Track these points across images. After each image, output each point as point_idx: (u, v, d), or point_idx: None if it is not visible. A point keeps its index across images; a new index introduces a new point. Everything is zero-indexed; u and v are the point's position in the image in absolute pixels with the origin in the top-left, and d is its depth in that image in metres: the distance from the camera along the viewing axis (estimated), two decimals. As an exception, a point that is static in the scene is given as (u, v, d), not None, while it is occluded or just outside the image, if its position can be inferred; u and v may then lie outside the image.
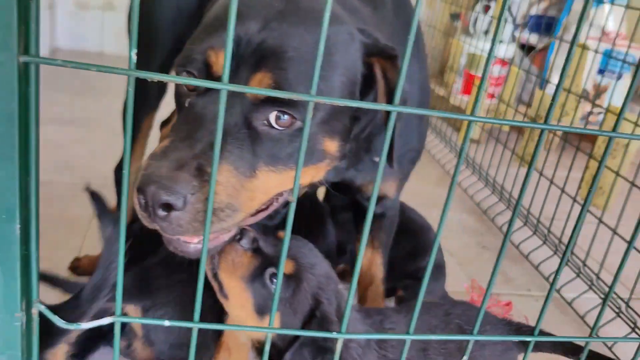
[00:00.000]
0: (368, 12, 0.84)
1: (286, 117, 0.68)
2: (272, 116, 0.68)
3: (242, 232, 0.77)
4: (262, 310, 0.77)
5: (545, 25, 2.94)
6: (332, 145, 0.74)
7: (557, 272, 0.63)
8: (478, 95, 0.52)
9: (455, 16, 3.13)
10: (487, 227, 2.02)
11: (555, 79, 2.36)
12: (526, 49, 2.99)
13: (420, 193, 2.25)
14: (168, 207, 0.61)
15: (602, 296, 1.53)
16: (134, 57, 0.47)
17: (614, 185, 1.47)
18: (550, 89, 2.30)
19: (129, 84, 0.47)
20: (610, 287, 0.66)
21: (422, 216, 1.55)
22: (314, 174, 0.77)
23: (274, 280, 0.76)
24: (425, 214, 1.70)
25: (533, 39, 2.95)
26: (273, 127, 0.68)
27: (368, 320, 0.87)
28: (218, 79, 0.60)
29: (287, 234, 0.55)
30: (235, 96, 0.67)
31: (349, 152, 0.84)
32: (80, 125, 2.24)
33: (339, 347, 0.62)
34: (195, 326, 0.58)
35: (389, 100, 0.74)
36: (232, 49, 0.65)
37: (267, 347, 0.61)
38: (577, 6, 2.64)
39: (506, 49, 2.86)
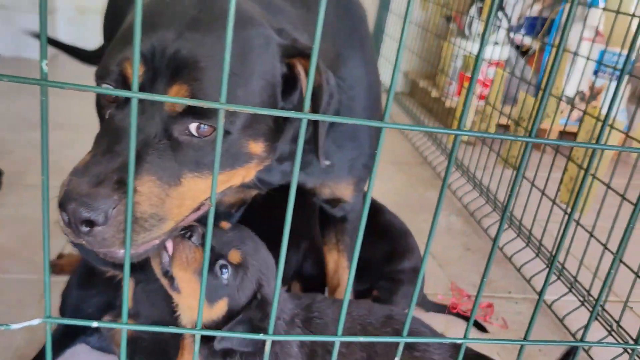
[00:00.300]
0: (298, 13, 0.83)
1: (206, 127, 0.68)
2: (193, 126, 0.68)
3: (191, 229, 0.81)
4: (212, 298, 0.83)
5: (540, 27, 2.93)
6: (257, 147, 0.75)
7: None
8: (388, 101, 0.53)
9: (449, 19, 3.12)
10: (473, 229, 2.02)
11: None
12: (522, 50, 2.98)
13: (410, 196, 2.26)
14: (90, 223, 0.62)
15: (581, 298, 1.53)
16: (45, 68, 0.49)
17: (591, 187, 1.47)
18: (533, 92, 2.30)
19: (42, 93, 0.49)
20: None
21: (401, 221, 1.55)
22: (244, 174, 0.79)
23: (224, 270, 0.83)
24: (414, 218, 1.70)
25: (528, 40, 2.94)
26: (194, 136, 0.69)
27: (296, 301, 0.94)
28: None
29: (208, 235, 0.56)
30: (154, 108, 0.67)
31: (290, 156, 0.85)
32: (69, 129, 2.27)
33: (267, 348, 0.63)
34: (125, 327, 0.60)
35: (315, 100, 0.74)
36: (147, 59, 0.66)
37: (197, 349, 0.63)
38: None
39: (501, 51, 2.85)
